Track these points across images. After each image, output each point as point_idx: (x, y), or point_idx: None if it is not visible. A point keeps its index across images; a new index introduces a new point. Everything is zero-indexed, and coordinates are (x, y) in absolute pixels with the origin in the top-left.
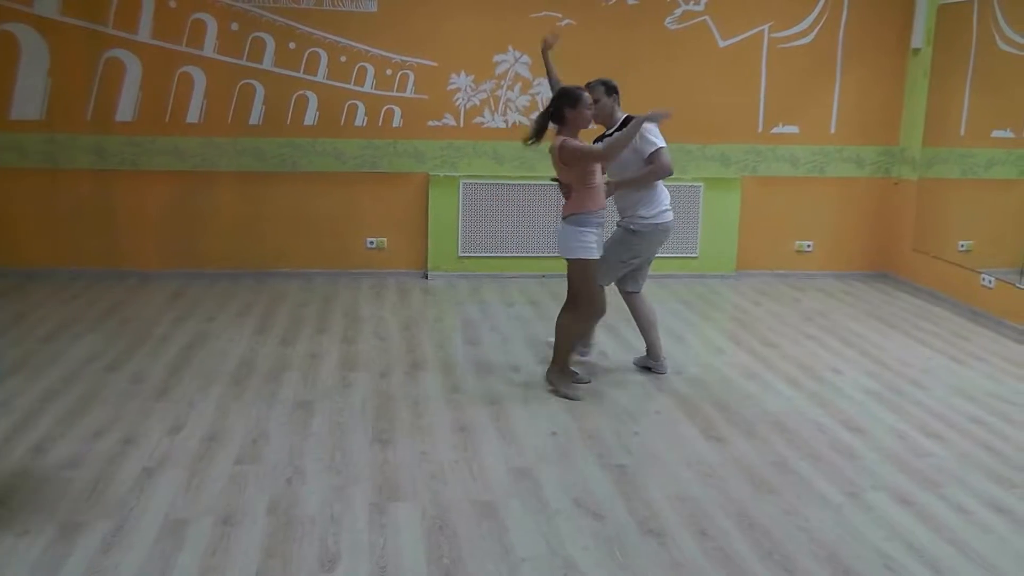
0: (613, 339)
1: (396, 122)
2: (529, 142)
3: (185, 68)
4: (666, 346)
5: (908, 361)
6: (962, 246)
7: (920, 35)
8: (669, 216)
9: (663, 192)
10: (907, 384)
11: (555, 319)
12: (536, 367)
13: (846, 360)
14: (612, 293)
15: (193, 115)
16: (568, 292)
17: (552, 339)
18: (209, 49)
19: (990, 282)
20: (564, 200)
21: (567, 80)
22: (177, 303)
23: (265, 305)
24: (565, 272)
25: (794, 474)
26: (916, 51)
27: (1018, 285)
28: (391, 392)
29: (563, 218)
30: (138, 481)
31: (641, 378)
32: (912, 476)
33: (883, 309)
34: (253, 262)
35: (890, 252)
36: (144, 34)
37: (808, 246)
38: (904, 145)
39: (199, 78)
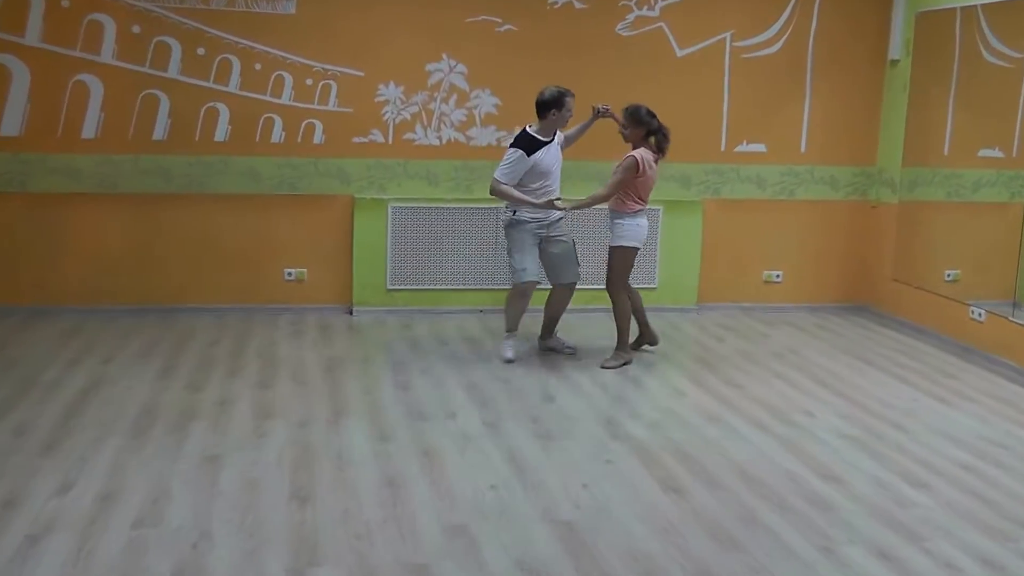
0: (560, 380)
1: (317, 138)
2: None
3: (80, 76)
4: (621, 389)
5: (889, 402)
6: (948, 276)
7: (898, 45)
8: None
9: None
10: (888, 427)
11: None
12: (474, 412)
13: (820, 401)
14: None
15: (89, 129)
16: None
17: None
18: (107, 55)
19: (980, 315)
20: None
21: (506, 84)
22: (69, 343)
23: (170, 345)
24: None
25: (762, 528)
26: (894, 63)
27: (1011, 318)
28: (311, 443)
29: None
30: (20, 550)
31: (591, 424)
32: (894, 529)
33: (861, 345)
34: (156, 296)
35: (868, 283)
36: (32, 37)
37: (777, 276)
38: (882, 165)
39: (95, 87)
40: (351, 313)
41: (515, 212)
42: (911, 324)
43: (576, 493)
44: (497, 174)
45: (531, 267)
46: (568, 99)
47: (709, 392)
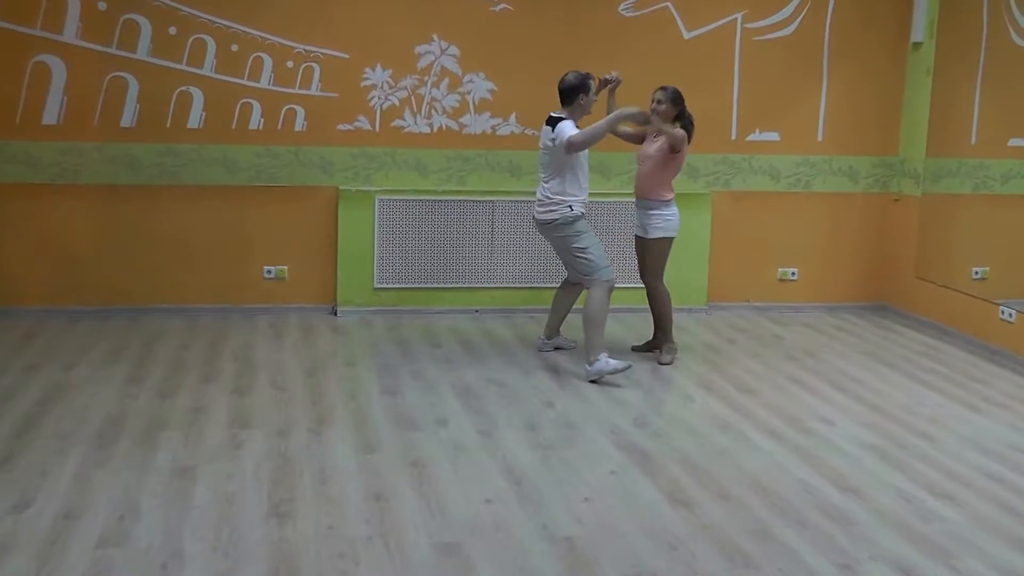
0: (560, 385)
1: (299, 125)
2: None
3: (40, 57)
4: (625, 394)
5: (912, 408)
6: (976, 273)
7: (921, 27)
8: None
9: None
10: (912, 436)
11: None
12: (468, 420)
13: (838, 408)
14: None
15: (51, 115)
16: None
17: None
18: (70, 34)
19: (1010, 315)
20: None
21: (501, 68)
22: (28, 348)
23: (138, 349)
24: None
25: (777, 544)
26: (917, 45)
27: None
28: (291, 454)
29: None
30: None
31: (593, 432)
32: (918, 544)
33: (882, 347)
34: (124, 296)
35: (889, 280)
36: None
37: (792, 274)
38: (904, 155)
39: (58, 69)
40: (335, 314)
41: (572, 207)
42: (936, 325)
43: (577, 507)
44: (571, 134)
45: (607, 261)
46: (591, 82)
47: (719, 398)
